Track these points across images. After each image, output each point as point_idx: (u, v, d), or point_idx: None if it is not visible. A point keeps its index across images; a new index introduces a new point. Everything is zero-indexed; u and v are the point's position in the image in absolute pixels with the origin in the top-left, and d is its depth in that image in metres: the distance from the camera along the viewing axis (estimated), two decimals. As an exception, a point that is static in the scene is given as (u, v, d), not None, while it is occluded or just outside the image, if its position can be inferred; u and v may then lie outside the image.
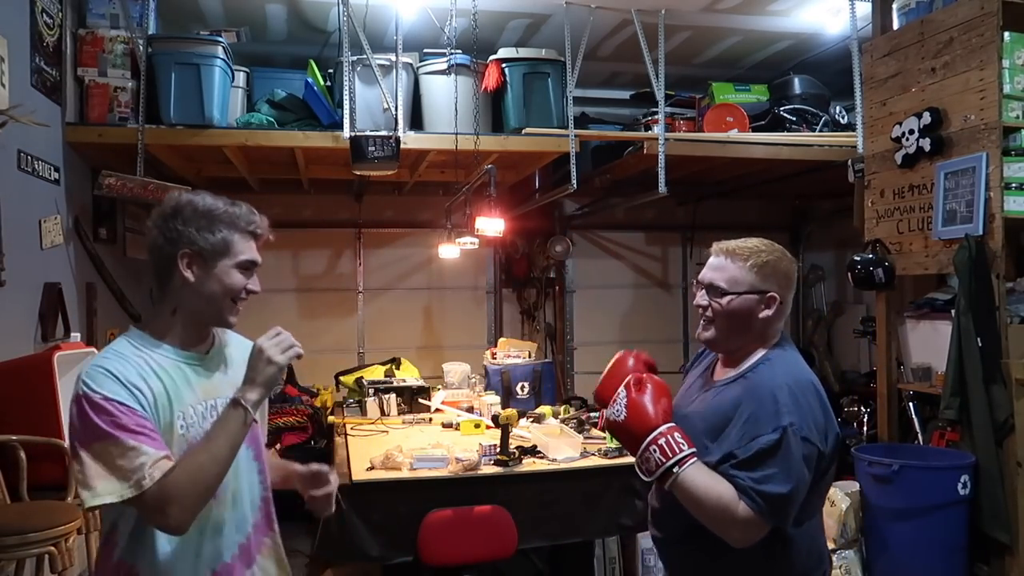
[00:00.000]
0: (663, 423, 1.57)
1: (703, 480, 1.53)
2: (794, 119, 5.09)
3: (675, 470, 1.53)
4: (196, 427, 1.47)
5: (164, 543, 1.45)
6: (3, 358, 3.11)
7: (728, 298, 1.65)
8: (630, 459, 3.52)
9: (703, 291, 1.71)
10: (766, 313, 1.65)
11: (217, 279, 1.50)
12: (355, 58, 4.31)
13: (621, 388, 1.66)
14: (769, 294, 1.65)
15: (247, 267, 1.54)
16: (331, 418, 4.68)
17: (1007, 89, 3.31)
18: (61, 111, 3.91)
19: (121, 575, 1.44)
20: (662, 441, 1.55)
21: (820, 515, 1.71)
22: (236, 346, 1.66)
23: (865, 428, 5.14)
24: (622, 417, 1.62)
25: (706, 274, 1.71)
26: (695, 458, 1.55)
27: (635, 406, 1.60)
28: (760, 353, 1.68)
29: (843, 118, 5.20)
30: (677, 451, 1.54)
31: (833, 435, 1.58)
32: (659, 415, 1.59)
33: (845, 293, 6.97)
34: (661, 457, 1.54)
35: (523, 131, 4.54)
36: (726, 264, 1.68)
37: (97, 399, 1.36)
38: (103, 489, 1.33)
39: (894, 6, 4.01)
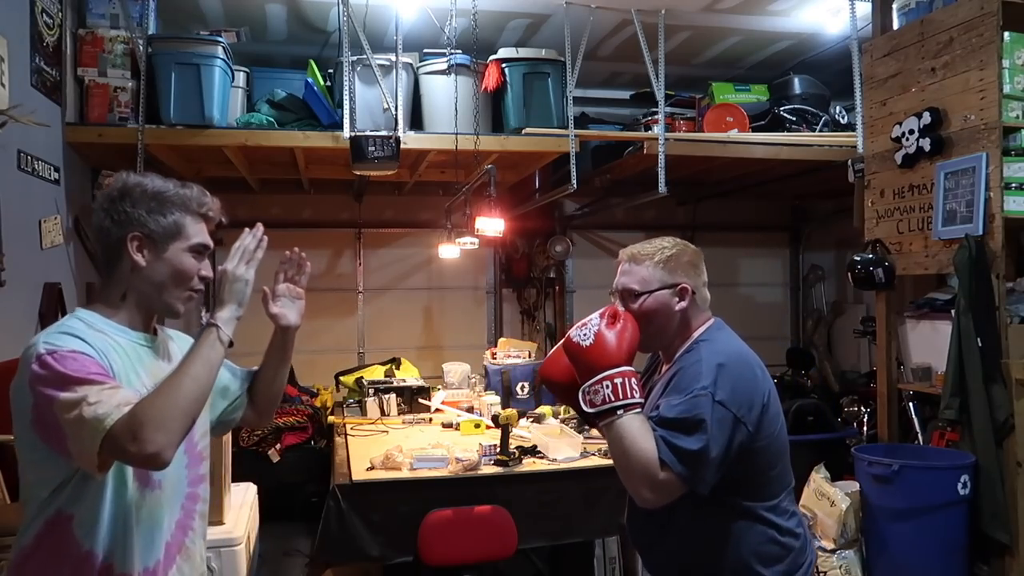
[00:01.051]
0: (626, 364, 1.58)
1: (639, 431, 1.53)
2: (794, 119, 5.09)
3: (619, 411, 1.53)
4: None
5: (121, 526, 1.37)
6: (3, 358, 3.11)
7: (642, 298, 1.71)
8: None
9: (618, 299, 1.76)
10: (681, 305, 1.71)
11: (168, 264, 1.44)
12: (355, 58, 4.31)
13: (595, 315, 1.66)
14: (680, 286, 1.71)
15: (199, 251, 1.49)
16: (331, 418, 4.68)
17: (1007, 89, 3.30)
18: (61, 111, 3.91)
19: (91, 564, 1.35)
20: (618, 380, 1.55)
21: (786, 505, 1.69)
22: (176, 340, 1.61)
23: (865, 428, 5.14)
24: (588, 343, 1.61)
25: (618, 281, 1.77)
26: (640, 409, 1.56)
27: (604, 337, 1.60)
28: (693, 337, 1.73)
29: (843, 118, 5.20)
30: (629, 395, 1.54)
31: (759, 409, 1.59)
32: (624, 354, 1.59)
33: (845, 293, 6.97)
34: (611, 395, 1.54)
35: (523, 131, 4.54)
36: (633, 268, 1.74)
37: (64, 351, 1.29)
38: (84, 445, 1.23)
39: (894, 6, 4.01)
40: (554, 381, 1.79)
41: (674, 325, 1.73)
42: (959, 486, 3.18)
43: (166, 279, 1.45)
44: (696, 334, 1.73)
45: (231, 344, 1.41)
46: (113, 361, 1.37)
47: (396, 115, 4.33)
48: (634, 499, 1.55)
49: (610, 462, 3.26)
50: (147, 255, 1.43)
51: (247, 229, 1.52)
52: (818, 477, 3.66)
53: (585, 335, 1.62)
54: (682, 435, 1.51)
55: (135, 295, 1.45)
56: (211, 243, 1.51)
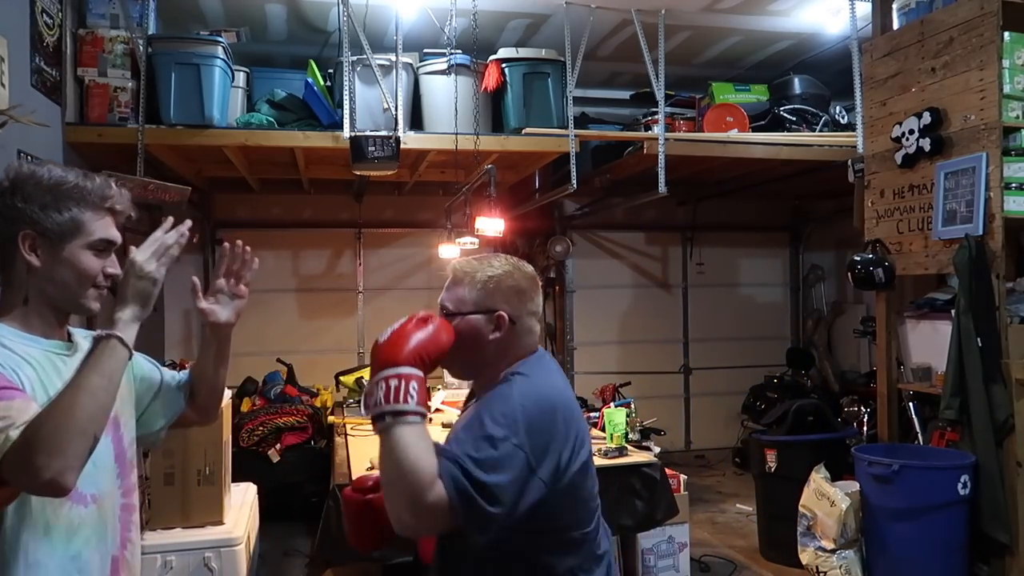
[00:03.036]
0: (410, 366, 1.35)
1: (415, 442, 1.29)
2: (794, 119, 5.10)
3: (388, 419, 1.31)
4: None
5: (44, 558, 1.26)
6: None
7: (454, 320, 1.49)
8: (630, 459, 3.51)
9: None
10: (496, 335, 1.49)
11: (67, 264, 1.31)
12: (355, 58, 4.31)
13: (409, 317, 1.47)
14: (497, 313, 1.48)
15: (102, 248, 1.35)
16: (331, 418, 4.68)
17: (1007, 89, 3.30)
18: (61, 111, 3.91)
19: None
20: (394, 382, 1.33)
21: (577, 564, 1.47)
22: (86, 337, 1.46)
23: (865, 428, 5.14)
24: (382, 339, 1.39)
25: (441, 296, 1.56)
26: (420, 419, 1.33)
27: (398, 335, 1.38)
28: (505, 372, 1.49)
29: (843, 118, 5.20)
30: (401, 400, 1.31)
31: (556, 458, 1.38)
32: (412, 356, 1.36)
33: (845, 293, 6.97)
34: (383, 397, 1.32)
35: (523, 131, 4.54)
36: (452, 285, 1.54)
37: None
38: None
39: (894, 6, 4.01)
40: None
41: (486, 355, 1.50)
42: (959, 486, 3.18)
43: (66, 279, 1.32)
44: (510, 368, 1.49)
45: (130, 354, 1.29)
46: (26, 376, 1.25)
47: (396, 115, 4.33)
48: (393, 523, 1.33)
49: (610, 462, 3.28)
50: (41, 255, 1.30)
51: (170, 218, 1.38)
52: (818, 477, 3.66)
53: (385, 333, 1.41)
54: (469, 469, 1.29)
55: (38, 297, 1.32)
56: (118, 238, 1.38)
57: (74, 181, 1.33)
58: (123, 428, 1.45)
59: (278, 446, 4.80)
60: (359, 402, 4.64)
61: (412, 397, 1.32)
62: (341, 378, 5.35)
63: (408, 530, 1.32)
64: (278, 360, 5.60)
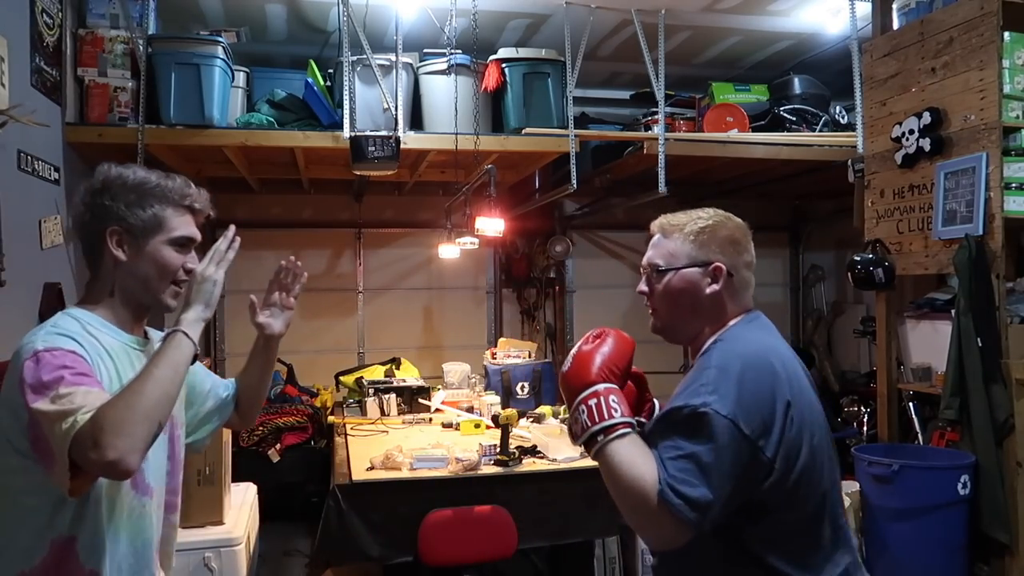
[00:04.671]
0: (601, 382, 1.33)
1: (630, 454, 1.26)
2: (794, 119, 5.09)
3: (600, 438, 1.28)
4: None
5: (123, 542, 1.37)
6: (3, 358, 3.11)
7: (667, 276, 1.45)
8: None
9: (644, 277, 1.51)
10: (713, 288, 1.42)
11: (149, 258, 1.41)
12: (355, 58, 4.31)
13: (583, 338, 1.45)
14: (713, 264, 1.42)
15: (183, 244, 1.45)
16: (331, 418, 4.68)
17: (1007, 89, 3.31)
18: (61, 111, 3.91)
19: None
20: (593, 401, 1.31)
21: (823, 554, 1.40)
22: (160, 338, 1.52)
23: (865, 428, 5.14)
24: (566, 368, 1.38)
25: (647, 255, 1.52)
26: (630, 429, 1.29)
27: (581, 358, 1.36)
28: (718, 333, 1.44)
29: (843, 118, 5.20)
30: (606, 416, 1.29)
31: (780, 427, 1.28)
32: (601, 372, 1.34)
33: (845, 293, 6.97)
34: (588, 420, 1.30)
35: (523, 131, 4.53)
36: (661, 241, 1.49)
37: (65, 350, 1.26)
38: (59, 451, 1.19)
39: (894, 6, 4.01)
40: None
41: (704, 312, 1.44)
42: (959, 486, 3.18)
43: (149, 273, 1.42)
44: (722, 330, 1.44)
45: (196, 349, 1.36)
46: (104, 365, 1.34)
47: (396, 115, 4.33)
48: (643, 540, 1.33)
49: (610, 462, 3.28)
50: (127, 249, 1.41)
51: (231, 227, 1.50)
52: (818, 477, 3.66)
53: (567, 361, 1.39)
54: (686, 473, 1.22)
55: (121, 291, 1.42)
56: (197, 235, 1.48)
57: (156, 181, 1.43)
58: (178, 428, 1.57)
59: (278, 446, 4.80)
60: (359, 402, 4.64)
61: (616, 409, 1.30)
62: (341, 378, 5.35)
63: (659, 541, 1.28)
64: (278, 360, 5.59)
